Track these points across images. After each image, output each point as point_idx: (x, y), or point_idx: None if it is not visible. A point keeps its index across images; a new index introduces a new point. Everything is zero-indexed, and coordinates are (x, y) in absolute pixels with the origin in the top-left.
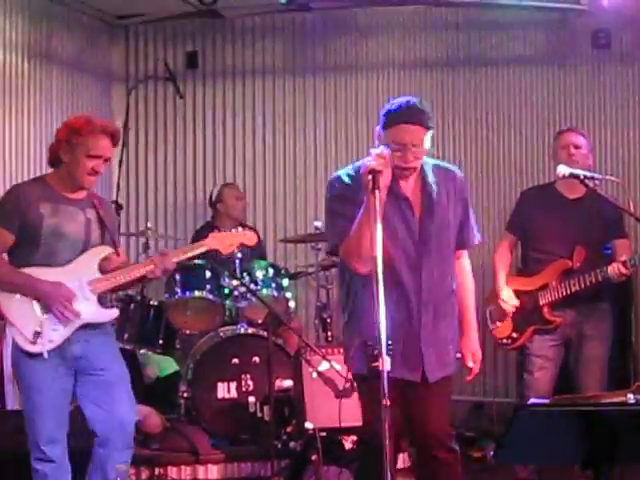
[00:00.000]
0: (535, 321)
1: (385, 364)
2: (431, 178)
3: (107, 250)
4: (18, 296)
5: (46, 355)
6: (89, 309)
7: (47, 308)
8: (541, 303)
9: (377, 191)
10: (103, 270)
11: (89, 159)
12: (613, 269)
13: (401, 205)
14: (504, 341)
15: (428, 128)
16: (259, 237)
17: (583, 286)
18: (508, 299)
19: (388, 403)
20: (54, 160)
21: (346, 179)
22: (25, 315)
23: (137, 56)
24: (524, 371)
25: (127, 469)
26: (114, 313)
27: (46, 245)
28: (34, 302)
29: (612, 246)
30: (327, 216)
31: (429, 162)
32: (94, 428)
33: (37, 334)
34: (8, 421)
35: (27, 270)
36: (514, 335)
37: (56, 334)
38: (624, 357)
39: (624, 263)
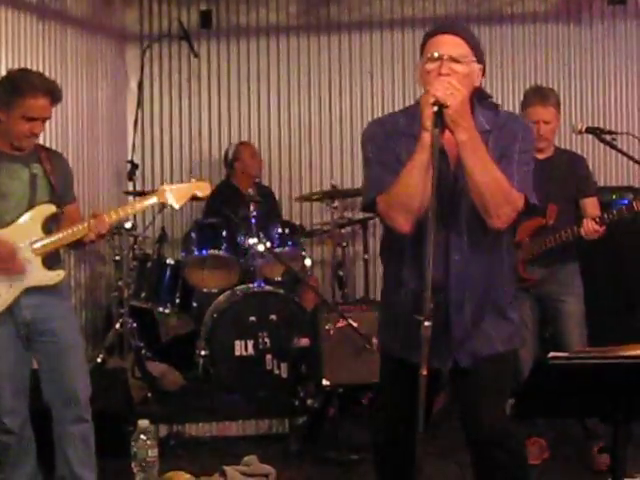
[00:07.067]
0: None
1: (427, 329)
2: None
3: (52, 208)
4: None
5: None
6: (33, 272)
7: None
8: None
9: (436, 130)
10: (49, 230)
11: (26, 121)
12: (586, 226)
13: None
14: None
15: (473, 47)
16: (273, 196)
17: (557, 242)
18: None
19: (425, 372)
20: None
21: (386, 121)
22: None
23: (151, 15)
24: None
25: (84, 430)
26: (60, 275)
27: None
28: None
29: (582, 205)
30: (363, 166)
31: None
32: (43, 393)
33: None
34: None
35: None
36: None
37: None
38: None
39: (597, 219)
